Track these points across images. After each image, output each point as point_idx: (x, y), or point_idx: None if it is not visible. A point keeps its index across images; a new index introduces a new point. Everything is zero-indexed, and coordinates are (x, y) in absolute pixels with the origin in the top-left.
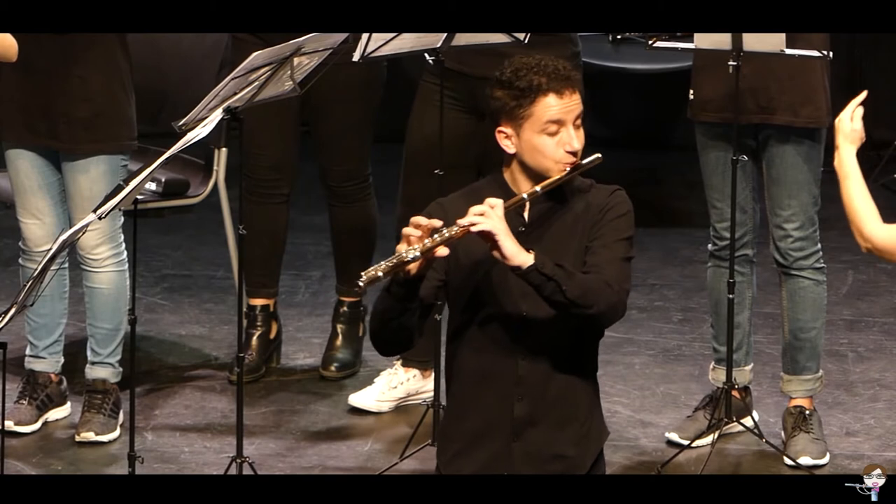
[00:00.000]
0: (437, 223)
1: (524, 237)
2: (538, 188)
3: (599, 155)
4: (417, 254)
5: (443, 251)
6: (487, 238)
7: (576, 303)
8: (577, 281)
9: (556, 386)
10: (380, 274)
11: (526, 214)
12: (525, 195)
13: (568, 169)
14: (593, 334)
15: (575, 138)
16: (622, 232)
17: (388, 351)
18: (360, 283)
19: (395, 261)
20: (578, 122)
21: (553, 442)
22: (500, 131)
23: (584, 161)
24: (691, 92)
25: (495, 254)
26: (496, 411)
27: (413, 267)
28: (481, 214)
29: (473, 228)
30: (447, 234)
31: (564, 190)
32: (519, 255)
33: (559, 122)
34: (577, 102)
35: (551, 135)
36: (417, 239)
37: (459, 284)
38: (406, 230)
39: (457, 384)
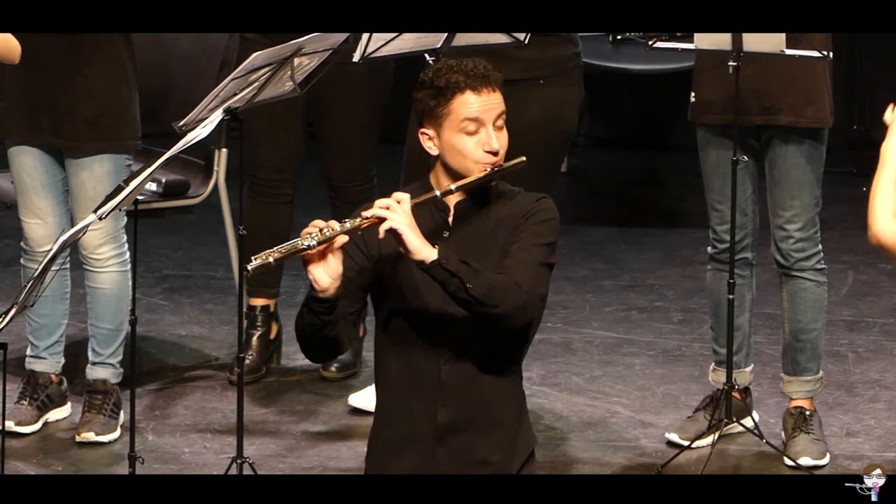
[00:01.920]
0: (334, 223)
1: (447, 241)
2: (452, 186)
3: (524, 158)
4: (314, 242)
5: (342, 239)
6: (392, 233)
7: (480, 300)
8: (483, 278)
9: (479, 391)
10: (270, 260)
11: (450, 219)
12: (438, 192)
13: (488, 170)
14: (518, 339)
15: (494, 138)
16: (543, 237)
17: (317, 359)
18: (249, 269)
19: (288, 247)
20: (500, 122)
21: (478, 447)
22: (423, 133)
23: (506, 164)
24: (692, 94)
25: (402, 248)
26: (420, 418)
27: (331, 287)
28: (386, 208)
29: (382, 226)
30: (348, 226)
31: (489, 194)
32: (423, 250)
33: (478, 121)
34: (497, 102)
35: (470, 134)
36: (317, 233)
37: (382, 287)
38: (306, 230)
39: (383, 391)
